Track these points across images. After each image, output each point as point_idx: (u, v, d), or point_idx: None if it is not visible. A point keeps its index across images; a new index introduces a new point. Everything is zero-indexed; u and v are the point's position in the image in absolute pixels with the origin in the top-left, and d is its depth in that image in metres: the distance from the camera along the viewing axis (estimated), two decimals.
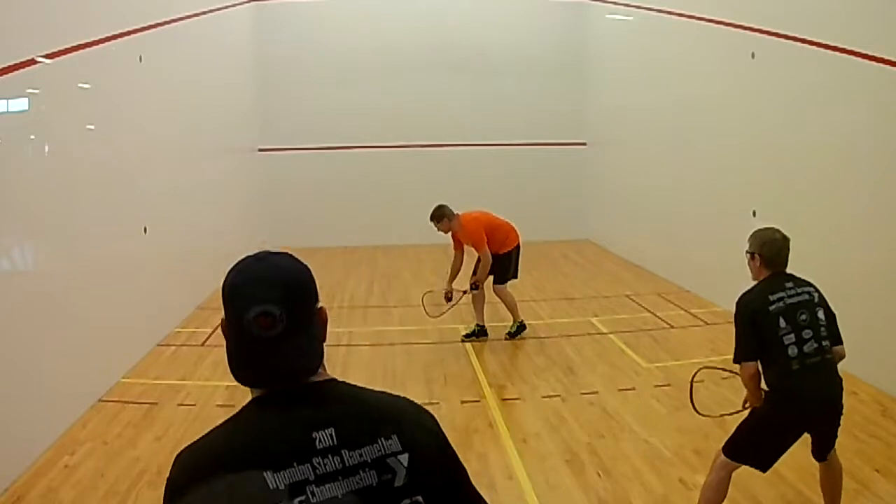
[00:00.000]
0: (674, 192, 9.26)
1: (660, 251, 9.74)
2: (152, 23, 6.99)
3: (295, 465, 1.22)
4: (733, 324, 3.35)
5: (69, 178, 5.21)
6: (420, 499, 1.28)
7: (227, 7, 10.24)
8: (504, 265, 6.89)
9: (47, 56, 4.89)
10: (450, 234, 6.95)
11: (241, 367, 1.29)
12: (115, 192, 6.04)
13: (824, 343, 3.27)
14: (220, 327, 1.34)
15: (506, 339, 6.97)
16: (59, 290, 4.94)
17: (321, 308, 1.35)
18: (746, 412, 3.51)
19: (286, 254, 1.35)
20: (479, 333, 7.01)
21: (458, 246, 7.02)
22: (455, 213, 6.88)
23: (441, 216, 6.81)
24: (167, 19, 7.45)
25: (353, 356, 6.57)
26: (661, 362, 6.18)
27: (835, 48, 5.84)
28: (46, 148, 5.00)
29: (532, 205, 12.67)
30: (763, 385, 3.36)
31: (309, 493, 1.21)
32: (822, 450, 3.41)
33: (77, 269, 5.25)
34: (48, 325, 4.71)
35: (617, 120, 11.43)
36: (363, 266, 10.95)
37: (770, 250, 3.41)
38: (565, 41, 12.78)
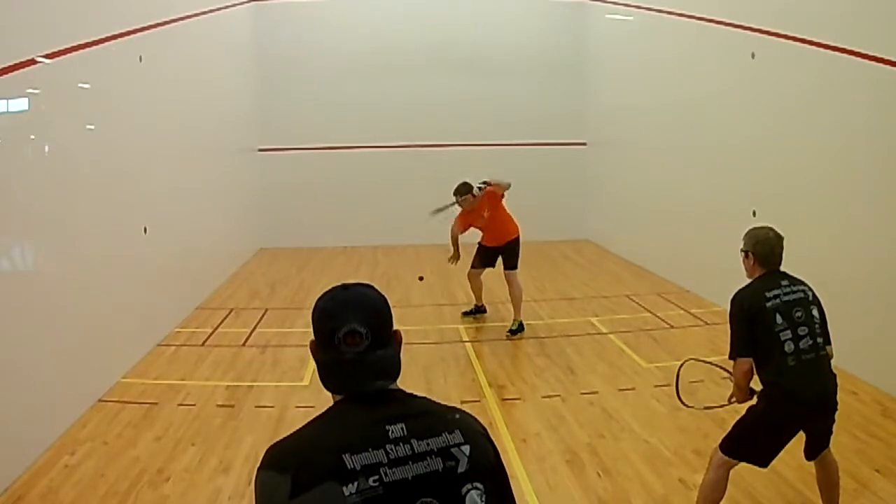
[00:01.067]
0: (674, 192, 9.26)
1: (660, 251, 9.74)
2: (152, 23, 6.99)
3: (370, 450, 1.41)
4: (728, 320, 3.37)
5: (69, 178, 5.21)
6: (480, 486, 1.45)
7: (227, 7, 10.24)
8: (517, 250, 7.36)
9: (47, 56, 4.89)
10: (465, 211, 7.29)
11: (331, 378, 1.54)
12: (115, 192, 6.04)
13: (819, 340, 3.31)
14: (309, 348, 1.57)
15: (507, 337, 7.01)
16: (58, 290, 4.94)
17: (397, 331, 1.58)
18: (728, 405, 3.54)
19: (368, 284, 1.60)
20: (476, 312, 7.73)
21: (465, 227, 7.39)
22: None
23: (465, 191, 7.19)
24: (167, 19, 7.45)
25: None
26: (661, 362, 6.18)
27: (835, 48, 5.84)
28: (46, 148, 5.00)
29: (532, 205, 12.61)
30: (753, 383, 3.38)
31: (382, 473, 1.40)
32: (816, 448, 3.40)
33: (77, 269, 5.25)
34: (48, 325, 4.71)
35: (617, 120, 11.43)
36: (363, 266, 10.95)
37: (764, 248, 3.45)
38: (565, 41, 12.78)
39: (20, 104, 4.67)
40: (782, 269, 3.47)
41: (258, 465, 1.46)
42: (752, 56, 7.13)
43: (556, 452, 4.50)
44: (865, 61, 5.48)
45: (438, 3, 12.61)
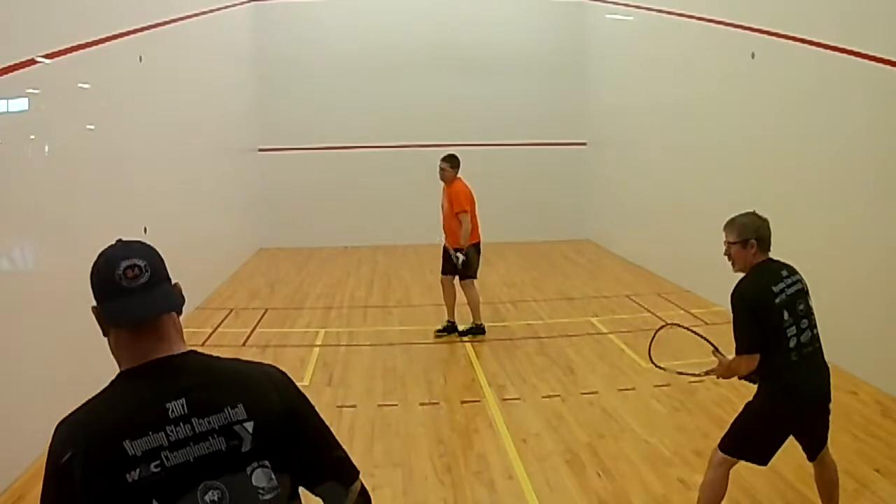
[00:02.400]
0: (674, 192, 9.26)
1: (660, 251, 9.74)
2: (152, 23, 6.99)
3: (150, 433, 1.36)
4: (732, 314, 3.30)
5: (69, 178, 5.21)
6: (267, 463, 1.42)
7: (227, 7, 10.24)
8: (477, 257, 7.00)
9: (47, 56, 4.89)
10: (443, 186, 7.11)
11: (116, 315, 1.44)
12: (115, 191, 6.04)
13: (815, 331, 3.32)
14: (94, 315, 1.47)
15: (456, 336, 7.03)
16: (59, 290, 4.93)
17: (176, 283, 1.53)
18: (705, 377, 3.56)
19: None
20: (449, 330, 7.10)
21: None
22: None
23: (456, 163, 7.03)
24: (167, 19, 7.45)
25: (353, 356, 6.57)
26: (662, 362, 6.16)
27: (834, 48, 5.84)
28: (46, 148, 5.00)
29: (532, 205, 12.69)
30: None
31: (164, 458, 1.35)
32: (816, 448, 3.39)
33: (77, 269, 5.19)
34: (48, 325, 4.71)
35: (617, 120, 11.43)
36: (363, 266, 10.95)
37: (765, 232, 3.38)
38: (565, 41, 12.78)
39: (20, 104, 4.67)
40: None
41: (49, 443, 1.39)
42: (752, 56, 7.13)
43: (556, 452, 4.50)
44: (865, 61, 5.48)
45: (438, 3, 12.61)
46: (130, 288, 1.43)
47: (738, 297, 3.30)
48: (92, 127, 5.71)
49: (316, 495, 1.57)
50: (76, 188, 5.31)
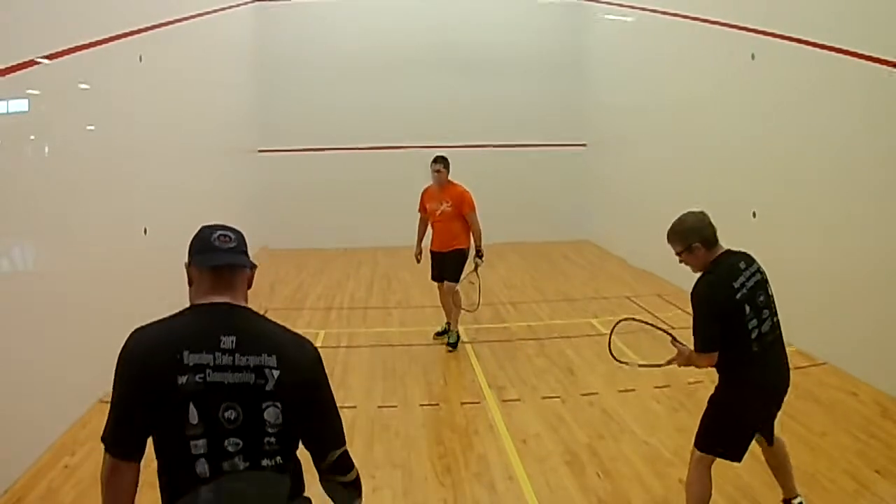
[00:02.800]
0: (674, 193, 9.23)
1: (660, 252, 9.62)
2: (153, 23, 6.99)
3: (203, 352, 1.80)
4: (693, 312, 3.31)
5: (69, 178, 5.20)
6: (279, 405, 1.83)
7: (227, 7, 10.24)
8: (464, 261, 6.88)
9: (47, 56, 4.89)
10: (430, 189, 6.91)
11: (203, 261, 1.94)
12: (116, 192, 6.03)
13: (776, 318, 3.36)
14: (186, 268, 2.00)
15: (434, 337, 7.03)
16: (59, 291, 4.93)
17: (254, 266, 2.04)
18: (667, 366, 3.61)
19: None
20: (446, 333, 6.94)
21: (428, 209, 6.93)
22: None
23: (448, 164, 6.85)
24: (168, 19, 7.45)
25: (353, 357, 6.57)
26: (661, 362, 6.18)
27: (834, 48, 5.84)
28: (46, 148, 4.99)
29: (532, 205, 12.69)
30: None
31: (206, 373, 1.79)
32: (771, 429, 3.43)
33: (77, 270, 5.24)
34: (48, 325, 4.71)
35: (617, 120, 11.42)
36: (363, 267, 10.95)
37: (707, 231, 3.39)
38: (565, 41, 12.78)
39: (20, 104, 4.67)
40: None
41: (123, 344, 1.88)
42: (752, 56, 7.13)
43: (556, 453, 4.50)
44: (864, 61, 5.48)
45: (438, 3, 12.61)
46: (219, 247, 1.95)
47: (697, 296, 3.31)
48: (92, 127, 5.70)
49: (306, 448, 2.00)
50: (76, 188, 5.30)
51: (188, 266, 1.97)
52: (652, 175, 10.03)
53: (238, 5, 10.96)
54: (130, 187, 6.39)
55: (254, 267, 2.02)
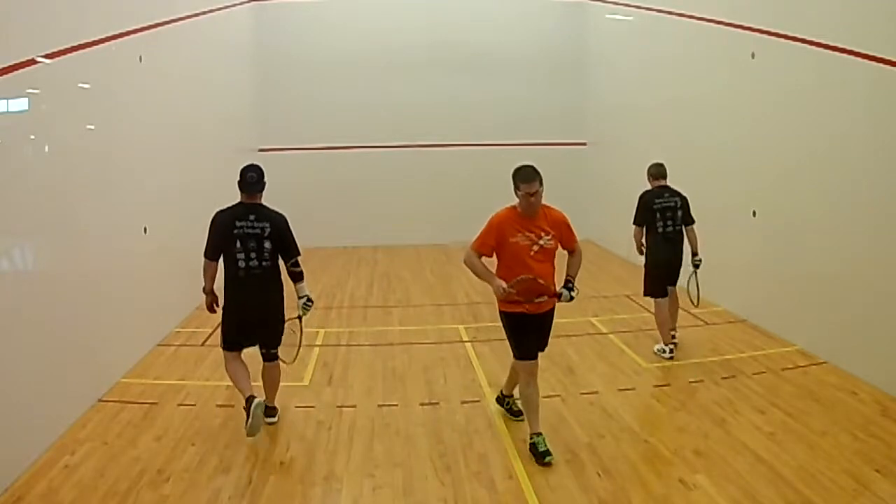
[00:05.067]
0: None
1: None
2: (153, 23, 6.99)
3: (241, 221, 4.73)
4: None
5: (69, 178, 5.21)
6: (269, 242, 4.72)
7: (227, 7, 10.24)
8: None
9: (47, 56, 4.89)
10: (510, 216, 4.71)
11: (242, 186, 4.81)
12: (115, 191, 6.04)
13: (678, 227, 6.39)
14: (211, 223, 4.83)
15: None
16: (59, 290, 4.94)
17: (265, 185, 4.92)
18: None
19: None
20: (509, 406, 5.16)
21: (508, 248, 4.68)
22: None
23: (538, 176, 4.71)
24: (167, 19, 7.45)
25: (353, 356, 6.57)
26: (661, 362, 6.19)
27: (834, 48, 5.84)
28: (46, 148, 5.00)
29: None
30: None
31: (242, 227, 4.71)
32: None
33: (77, 269, 5.25)
34: (48, 325, 4.71)
35: (617, 120, 11.42)
36: (363, 266, 10.94)
37: (653, 170, 6.71)
38: (565, 41, 12.78)
39: (20, 104, 4.67)
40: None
41: (212, 218, 4.79)
42: (752, 56, 7.13)
43: (556, 452, 4.49)
44: (865, 61, 5.48)
45: (439, 3, 12.62)
46: (249, 182, 4.79)
47: (640, 197, 6.61)
48: (92, 127, 5.71)
49: (282, 256, 4.81)
50: (76, 188, 5.31)
51: (239, 184, 4.81)
52: None
53: (238, 5, 10.96)
54: (130, 187, 6.39)
55: (264, 187, 4.84)
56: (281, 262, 4.81)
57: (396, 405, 5.35)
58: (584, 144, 12.83)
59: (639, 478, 4.17)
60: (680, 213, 6.40)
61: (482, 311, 7.98)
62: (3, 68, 4.30)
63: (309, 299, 4.97)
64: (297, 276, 4.86)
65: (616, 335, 7.02)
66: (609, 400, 5.39)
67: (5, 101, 4.49)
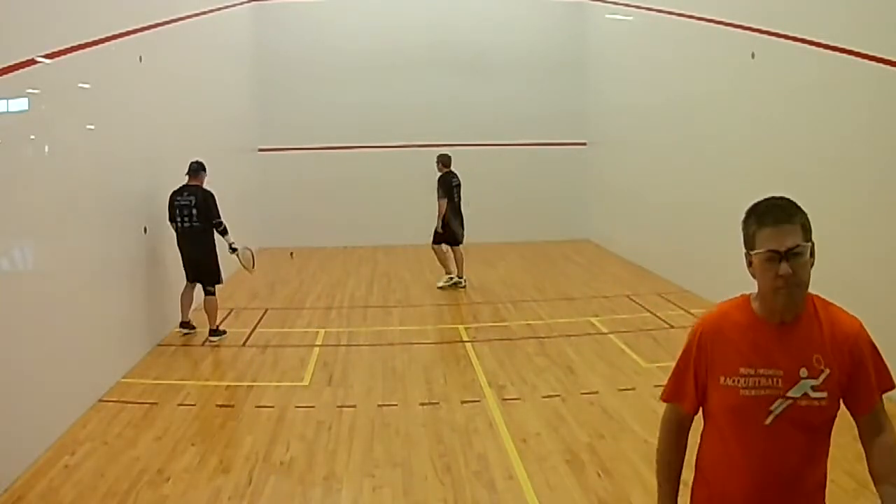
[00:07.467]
0: (674, 192, 9.25)
1: (660, 251, 9.73)
2: (152, 23, 6.99)
3: (179, 196, 6.92)
4: None
5: (69, 178, 5.21)
6: (195, 210, 6.85)
7: (227, 7, 10.24)
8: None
9: (47, 56, 4.89)
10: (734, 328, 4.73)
11: (188, 171, 7.10)
12: (115, 192, 6.04)
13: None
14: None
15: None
16: (59, 290, 4.94)
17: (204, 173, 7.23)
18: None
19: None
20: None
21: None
22: None
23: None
24: (168, 19, 7.45)
25: (353, 356, 6.57)
26: (661, 362, 6.18)
27: (834, 48, 5.84)
28: (46, 148, 5.00)
29: (532, 205, 12.69)
30: None
31: (178, 200, 6.89)
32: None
33: (77, 269, 5.25)
34: (48, 325, 4.71)
35: (617, 119, 11.42)
36: (363, 266, 10.95)
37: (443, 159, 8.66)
38: (565, 41, 12.78)
39: (20, 104, 4.67)
40: None
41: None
42: (752, 56, 7.13)
43: (556, 452, 4.50)
44: (865, 61, 5.47)
45: (439, 3, 12.62)
46: (190, 169, 7.02)
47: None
48: (92, 127, 5.71)
49: (208, 217, 6.90)
50: (76, 188, 5.31)
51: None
52: (652, 174, 10.03)
53: (238, 5, 10.96)
54: (130, 187, 6.40)
55: (199, 172, 7.04)
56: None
57: (396, 405, 5.35)
58: (584, 144, 12.83)
59: (639, 478, 4.17)
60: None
61: (482, 311, 7.99)
62: (3, 68, 4.30)
63: (231, 245, 7.15)
64: (221, 233, 7.03)
65: (616, 335, 7.02)
66: (609, 400, 5.39)
67: (5, 101, 4.49)
